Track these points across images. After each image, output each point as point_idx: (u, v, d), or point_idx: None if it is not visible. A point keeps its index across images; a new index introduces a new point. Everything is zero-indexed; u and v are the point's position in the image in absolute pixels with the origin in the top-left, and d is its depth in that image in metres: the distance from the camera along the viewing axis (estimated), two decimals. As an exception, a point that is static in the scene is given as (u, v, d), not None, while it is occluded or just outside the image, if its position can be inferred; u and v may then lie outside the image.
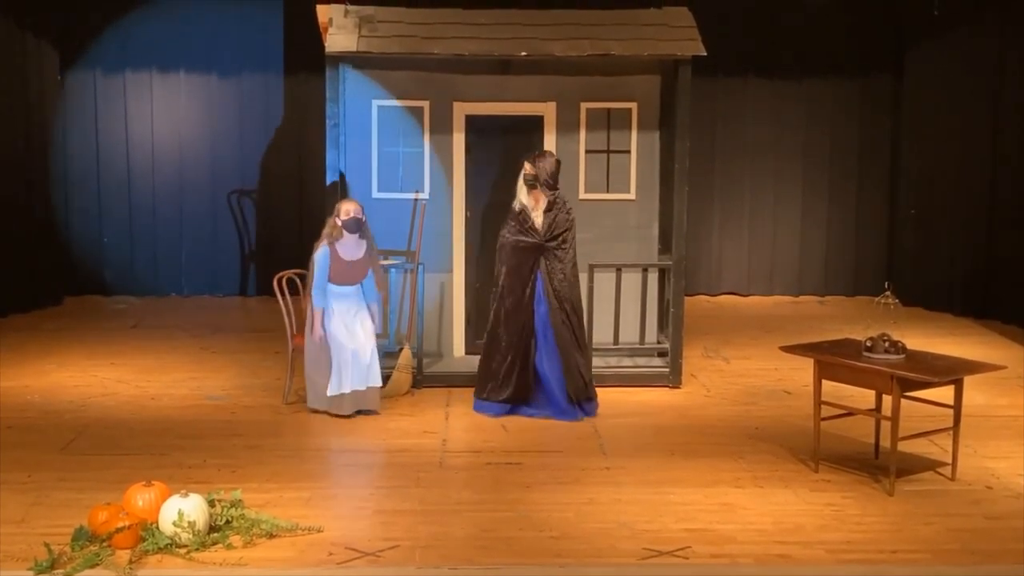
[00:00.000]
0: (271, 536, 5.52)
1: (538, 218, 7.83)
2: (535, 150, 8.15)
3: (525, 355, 7.82)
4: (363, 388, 7.68)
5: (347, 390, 7.60)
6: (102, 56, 12.58)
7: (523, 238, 7.81)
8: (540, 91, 8.91)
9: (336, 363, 7.60)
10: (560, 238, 7.84)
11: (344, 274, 7.67)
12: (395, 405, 8.11)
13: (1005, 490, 6.38)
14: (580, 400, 7.87)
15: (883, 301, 6.72)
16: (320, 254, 7.66)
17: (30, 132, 11.76)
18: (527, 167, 7.85)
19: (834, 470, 6.66)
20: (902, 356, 6.34)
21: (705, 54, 8.39)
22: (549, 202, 7.87)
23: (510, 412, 7.85)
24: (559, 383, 7.79)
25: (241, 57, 12.69)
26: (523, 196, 7.90)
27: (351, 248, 7.70)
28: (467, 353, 8.98)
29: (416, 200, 8.86)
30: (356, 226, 7.65)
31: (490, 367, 7.92)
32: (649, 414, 8.01)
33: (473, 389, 8.06)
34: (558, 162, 8.00)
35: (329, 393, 7.61)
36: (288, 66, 12.71)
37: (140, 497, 5.55)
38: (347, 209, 7.66)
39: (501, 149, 9.00)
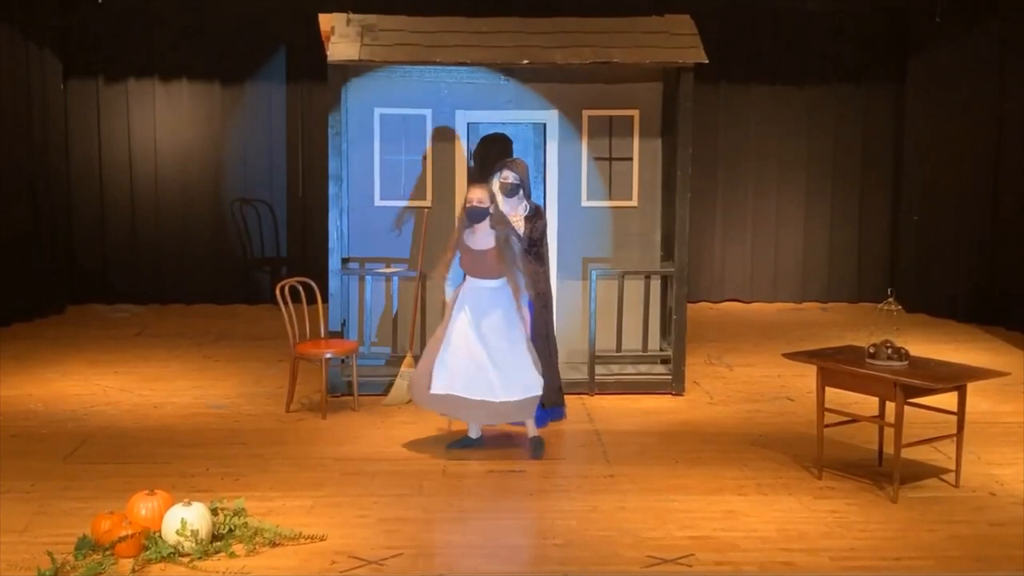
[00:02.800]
0: (274, 544, 5.52)
1: (518, 225, 7.68)
2: (507, 158, 8.08)
3: None
4: (473, 397, 6.92)
5: (441, 391, 6.94)
6: (105, 64, 12.61)
7: None
8: (542, 99, 8.91)
9: (440, 359, 6.93)
10: (540, 242, 7.76)
11: (474, 266, 6.97)
12: (398, 413, 8.10)
13: (1009, 496, 6.37)
14: (551, 406, 7.77)
15: (886, 307, 6.72)
16: (451, 241, 7.12)
17: (33, 141, 11.79)
18: (508, 175, 7.67)
19: (838, 477, 6.66)
20: (905, 363, 6.33)
21: (707, 61, 8.40)
22: (534, 208, 7.80)
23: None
24: None
25: (244, 65, 12.72)
26: (499, 205, 7.67)
27: (481, 238, 6.97)
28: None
29: (419, 207, 8.87)
30: (479, 215, 6.92)
31: None
32: (652, 421, 8.00)
33: None
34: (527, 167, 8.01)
35: (431, 390, 6.95)
36: (290, 74, 12.75)
37: (143, 506, 5.55)
38: (469, 196, 6.98)
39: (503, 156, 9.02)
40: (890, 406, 6.45)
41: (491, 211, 6.95)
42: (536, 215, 7.80)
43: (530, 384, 6.97)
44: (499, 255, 6.91)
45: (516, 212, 7.74)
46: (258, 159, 12.93)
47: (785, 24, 12.87)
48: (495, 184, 7.79)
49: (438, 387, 6.95)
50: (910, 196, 12.74)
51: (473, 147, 9.02)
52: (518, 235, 7.14)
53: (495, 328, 6.94)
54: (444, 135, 8.90)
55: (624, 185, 9.02)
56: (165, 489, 5.78)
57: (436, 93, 8.88)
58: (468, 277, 7.00)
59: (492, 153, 8.82)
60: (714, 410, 8.33)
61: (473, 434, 7.24)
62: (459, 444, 7.20)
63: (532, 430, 7.17)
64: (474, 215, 6.92)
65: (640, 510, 6.11)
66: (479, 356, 6.89)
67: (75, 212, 12.71)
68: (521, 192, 7.71)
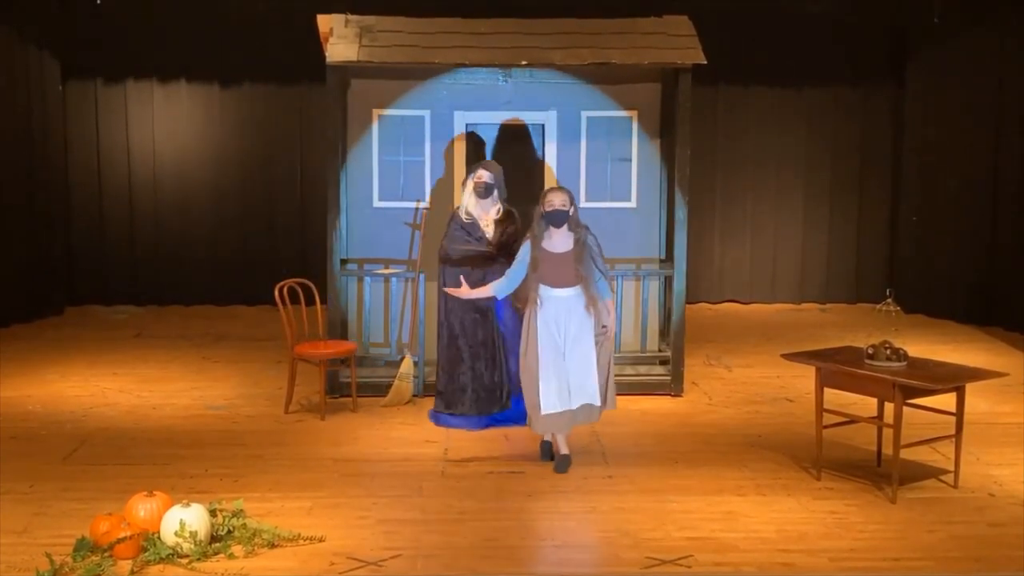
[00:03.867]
0: (273, 546, 5.52)
1: (489, 228, 7.61)
2: (483, 159, 8.01)
3: (491, 364, 7.69)
4: (574, 407, 6.76)
5: (556, 409, 6.73)
6: (103, 66, 12.62)
7: (473, 248, 7.58)
8: (541, 100, 8.91)
9: (543, 377, 6.71)
10: (509, 248, 7.59)
11: (552, 273, 6.69)
12: (397, 414, 8.10)
13: (1008, 497, 6.37)
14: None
15: (884, 308, 6.74)
16: (523, 247, 6.85)
17: (32, 142, 11.79)
18: (483, 175, 7.60)
19: (837, 478, 6.65)
20: (904, 363, 6.33)
21: (705, 62, 8.40)
22: (506, 211, 7.71)
23: (490, 424, 7.73)
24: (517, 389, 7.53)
25: (242, 66, 12.72)
26: (471, 206, 7.69)
27: (560, 241, 6.73)
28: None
29: (418, 209, 8.86)
30: (559, 218, 6.69)
31: (458, 381, 7.76)
32: (651, 422, 8.00)
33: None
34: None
35: (542, 412, 6.73)
36: (289, 75, 12.73)
37: (142, 507, 5.55)
38: (550, 199, 6.73)
39: (503, 158, 9.03)
40: (889, 407, 6.45)
41: (571, 212, 6.75)
42: (508, 219, 7.70)
43: (591, 391, 6.75)
44: (578, 258, 6.69)
45: (487, 214, 7.64)
46: (257, 160, 12.93)
47: (783, 25, 12.86)
48: (469, 184, 7.64)
49: (547, 407, 6.71)
50: (908, 197, 12.74)
51: (479, 142, 9.01)
52: (594, 236, 6.86)
53: (572, 338, 6.70)
54: (443, 136, 8.89)
55: (623, 186, 9.01)
56: (164, 490, 5.78)
57: (435, 94, 8.87)
58: (542, 287, 6.70)
59: (511, 151, 8.77)
60: (713, 411, 8.33)
61: (549, 440, 7.02)
62: (560, 461, 6.89)
63: (564, 447, 6.92)
64: (554, 218, 6.68)
65: (639, 511, 6.11)
66: (561, 369, 6.71)
67: (74, 213, 12.72)
68: (495, 194, 7.62)
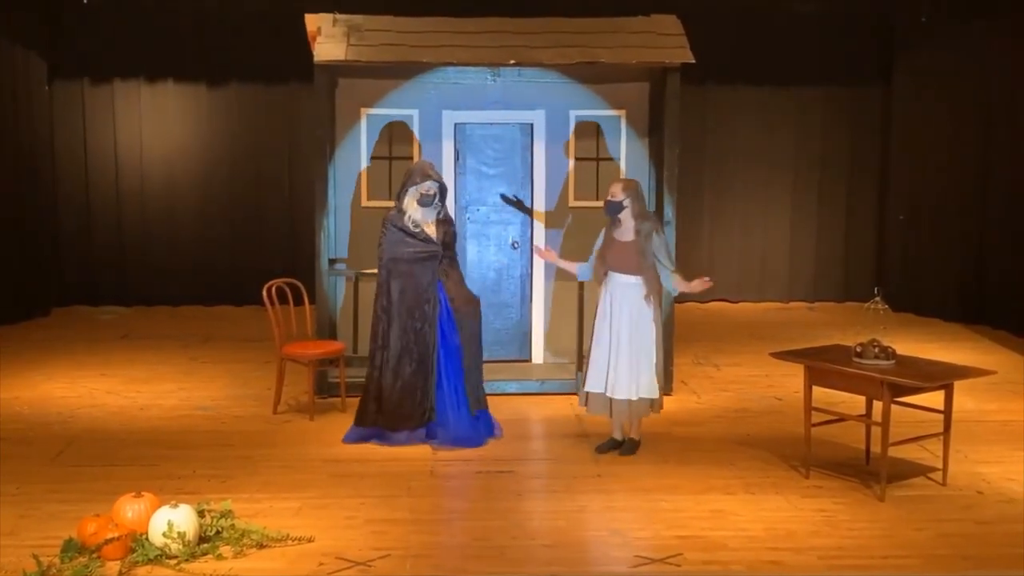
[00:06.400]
0: (261, 546, 5.50)
1: (431, 230, 7.44)
2: (426, 164, 7.69)
3: (431, 373, 7.37)
4: (617, 397, 6.98)
5: (588, 388, 7.11)
6: (90, 66, 12.57)
7: (421, 249, 7.39)
8: (529, 99, 8.91)
9: (594, 356, 7.11)
10: (452, 247, 7.56)
11: (617, 259, 7.01)
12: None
13: (996, 495, 6.39)
14: (479, 411, 7.48)
15: (873, 307, 6.73)
16: (600, 234, 7.22)
17: (18, 142, 11.75)
18: (431, 187, 7.36)
19: (825, 476, 6.67)
20: (892, 362, 6.35)
21: (693, 61, 8.41)
22: (445, 214, 7.57)
23: (427, 439, 7.33)
24: (463, 400, 7.38)
25: (230, 66, 12.69)
26: (416, 215, 7.41)
27: (625, 230, 7.03)
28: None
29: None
30: (614, 208, 6.99)
31: (412, 391, 7.39)
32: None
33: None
34: None
35: (585, 387, 7.16)
36: (277, 75, 12.71)
37: (130, 508, 5.53)
38: (608, 191, 7.10)
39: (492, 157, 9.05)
40: (877, 405, 6.46)
41: (625, 204, 6.97)
42: (447, 221, 7.57)
43: (644, 386, 6.99)
44: (639, 249, 6.95)
45: (429, 220, 7.44)
46: (245, 160, 12.90)
47: (772, 25, 12.90)
48: (415, 193, 7.39)
49: (589, 385, 7.11)
50: (897, 196, 12.78)
51: (458, 147, 9.01)
52: (662, 232, 7.14)
53: (626, 325, 6.96)
54: (431, 135, 8.89)
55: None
56: (152, 491, 5.76)
57: (423, 93, 8.87)
58: (610, 272, 7.04)
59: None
60: (702, 410, 8.34)
61: (617, 435, 7.22)
62: (605, 447, 7.20)
63: (635, 431, 7.19)
64: (608, 209, 7.02)
65: (628, 510, 6.12)
66: (612, 353, 6.98)
67: (61, 214, 12.69)
68: (437, 199, 7.45)
